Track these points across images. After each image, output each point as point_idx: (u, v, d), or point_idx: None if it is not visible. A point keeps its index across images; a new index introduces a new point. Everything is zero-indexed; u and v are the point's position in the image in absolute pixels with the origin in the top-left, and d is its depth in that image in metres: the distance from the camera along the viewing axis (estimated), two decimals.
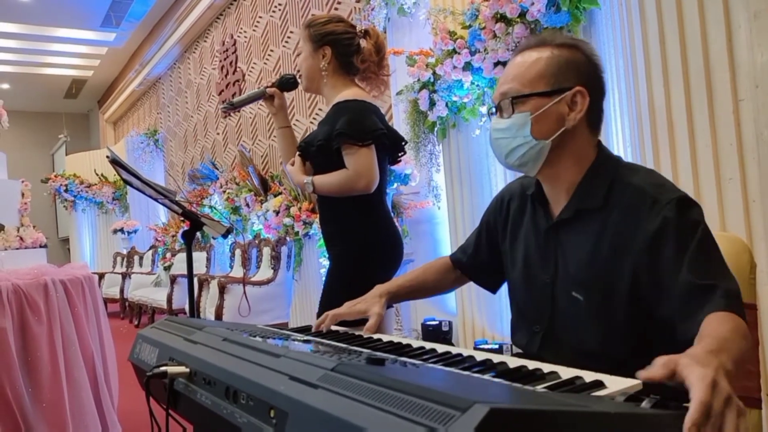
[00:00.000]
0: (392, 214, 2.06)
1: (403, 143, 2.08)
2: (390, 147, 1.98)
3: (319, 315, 1.89)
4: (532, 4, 2.77)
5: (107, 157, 2.08)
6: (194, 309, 2.30)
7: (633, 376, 0.78)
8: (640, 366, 0.81)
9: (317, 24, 1.97)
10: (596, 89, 1.17)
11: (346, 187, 1.84)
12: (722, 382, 0.74)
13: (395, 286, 1.44)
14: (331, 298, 1.91)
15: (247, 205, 6.11)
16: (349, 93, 1.93)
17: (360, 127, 1.83)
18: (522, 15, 2.86)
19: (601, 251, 1.11)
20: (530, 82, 1.14)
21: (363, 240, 1.90)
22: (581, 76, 1.15)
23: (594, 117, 1.18)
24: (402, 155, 2.10)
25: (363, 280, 1.87)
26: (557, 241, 1.20)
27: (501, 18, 2.95)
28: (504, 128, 1.16)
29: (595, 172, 1.16)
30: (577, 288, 1.14)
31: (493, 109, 1.22)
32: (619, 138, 2.62)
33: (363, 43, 1.98)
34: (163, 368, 0.97)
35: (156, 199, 2.16)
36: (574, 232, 1.17)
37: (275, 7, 6.46)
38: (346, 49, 1.96)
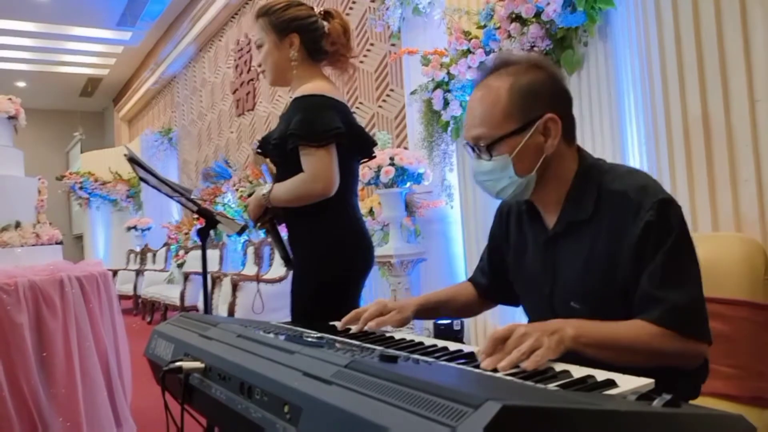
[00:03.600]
0: (361, 215, 1.90)
1: (372, 143, 1.93)
2: (355, 145, 1.83)
3: (294, 320, 1.83)
4: (548, 4, 2.75)
5: (125, 155, 2.09)
6: (208, 306, 2.32)
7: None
8: (644, 371, 0.81)
9: (277, 11, 1.79)
10: (563, 105, 1.15)
11: (303, 192, 1.72)
12: (527, 329, 0.89)
13: (424, 298, 1.44)
14: (299, 304, 1.82)
15: None
16: (310, 87, 1.77)
17: (314, 128, 1.69)
18: (537, 15, 2.84)
19: (594, 260, 1.11)
20: (500, 124, 1.11)
21: (329, 243, 1.78)
22: (546, 99, 1.12)
23: (568, 132, 1.16)
24: (373, 152, 1.95)
25: (329, 286, 1.76)
26: (554, 254, 1.20)
27: (516, 18, 2.94)
28: (487, 171, 1.15)
29: (580, 183, 1.16)
30: (574, 298, 1.15)
31: (469, 148, 1.19)
32: (634, 140, 2.60)
33: (326, 25, 1.83)
34: (178, 363, 0.99)
35: (171, 197, 2.17)
36: (568, 244, 1.17)
37: None
38: (313, 35, 1.80)
